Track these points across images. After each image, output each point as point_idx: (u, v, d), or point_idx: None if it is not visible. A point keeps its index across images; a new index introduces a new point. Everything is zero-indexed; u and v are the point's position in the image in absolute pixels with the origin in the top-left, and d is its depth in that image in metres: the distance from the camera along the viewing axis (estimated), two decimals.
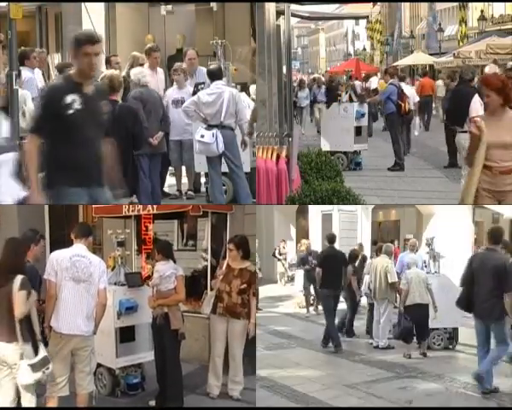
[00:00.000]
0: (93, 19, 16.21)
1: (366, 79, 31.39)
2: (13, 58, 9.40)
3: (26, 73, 11.16)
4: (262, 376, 8.32)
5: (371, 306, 11.27)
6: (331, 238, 11.29)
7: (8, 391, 5.82)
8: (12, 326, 5.70)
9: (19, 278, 5.75)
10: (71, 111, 5.97)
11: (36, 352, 5.72)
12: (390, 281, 10.64)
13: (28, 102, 10.33)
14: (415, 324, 9.92)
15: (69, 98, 5.99)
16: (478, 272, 7.33)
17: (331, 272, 10.70)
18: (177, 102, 11.42)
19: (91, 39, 6.11)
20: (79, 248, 6.33)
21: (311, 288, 13.95)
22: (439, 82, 28.95)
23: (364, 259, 12.42)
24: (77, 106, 5.99)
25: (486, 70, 15.85)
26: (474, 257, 7.77)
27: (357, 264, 12.02)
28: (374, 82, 30.79)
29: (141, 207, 8.94)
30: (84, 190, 6.11)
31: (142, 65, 11.36)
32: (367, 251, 14.78)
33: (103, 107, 6.29)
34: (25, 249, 6.27)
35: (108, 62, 11.61)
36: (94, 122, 6.13)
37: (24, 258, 6.13)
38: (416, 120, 17.84)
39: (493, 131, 6.49)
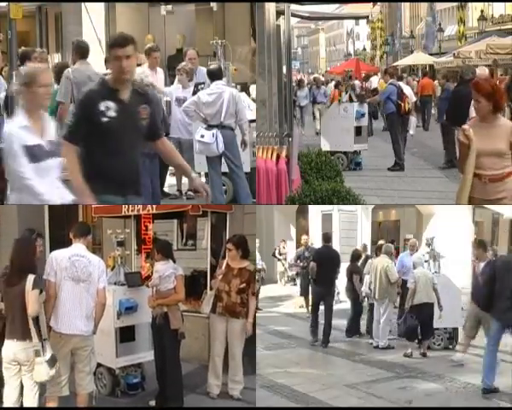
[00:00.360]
0: (93, 19, 16.26)
1: (366, 78, 31.41)
2: (13, 58, 9.41)
3: None
4: (262, 376, 8.32)
5: (371, 306, 11.26)
6: (327, 237, 11.56)
7: (13, 390, 5.89)
8: (25, 324, 5.76)
9: (31, 277, 5.80)
10: (105, 119, 5.77)
11: (43, 350, 5.77)
12: (392, 281, 10.65)
13: None
14: (420, 323, 9.93)
15: (103, 105, 5.78)
16: (500, 273, 7.41)
17: (324, 270, 11.04)
18: (180, 101, 11.43)
19: (120, 42, 5.88)
20: (78, 248, 6.33)
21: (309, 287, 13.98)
22: (435, 82, 28.97)
23: (368, 259, 12.44)
24: (112, 113, 5.79)
25: (477, 71, 15.82)
26: (497, 259, 7.86)
27: (359, 263, 12.03)
28: (374, 82, 30.81)
29: (140, 206, 8.93)
30: (120, 198, 5.98)
31: (139, 65, 11.33)
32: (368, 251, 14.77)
33: (141, 112, 6.00)
34: (34, 248, 6.28)
35: (108, 62, 11.59)
36: (130, 129, 5.90)
37: (34, 257, 6.14)
38: (412, 120, 17.87)
39: (484, 139, 6.33)
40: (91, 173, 5.72)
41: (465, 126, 6.49)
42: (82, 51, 10.28)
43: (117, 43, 5.88)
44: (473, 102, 6.61)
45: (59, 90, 9.99)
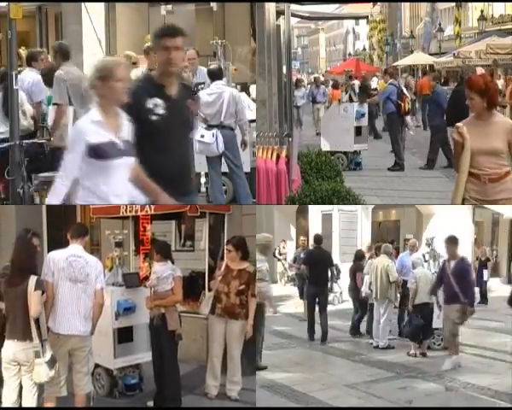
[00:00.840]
0: (93, 19, 16.23)
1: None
2: (13, 58, 9.36)
3: (33, 75, 10.96)
4: (262, 376, 8.29)
5: (371, 306, 11.25)
6: (318, 239, 11.81)
7: (13, 391, 5.87)
8: (26, 325, 5.74)
9: (34, 278, 5.78)
10: (154, 117, 5.52)
11: (43, 350, 5.76)
12: (391, 280, 10.64)
13: (25, 104, 10.30)
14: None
15: (151, 103, 5.53)
16: None
17: (316, 271, 11.33)
18: None
19: (170, 31, 5.59)
20: (76, 249, 6.29)
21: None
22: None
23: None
24: (160, 111, 5.54)
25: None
26: None
27: (364, 263, 12.05)
28: (373, 82, 30.85)
29: (139, 207, 8.90)
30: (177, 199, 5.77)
31: (135, 63, 11.30)
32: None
33: (189, 107, 5.75)
34: (33, 248, 6.24)
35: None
36: (180, 126, 5.66)
37: (34, 256, 6.10)
38: (409, 120, 17.95)
39: (480, 137, 6.18)
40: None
41: (459, 124, 6.33)
42: (65, 53, 10.27)
43: (166, 33, 5.60)
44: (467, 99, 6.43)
45: (54, 93, 9.95)
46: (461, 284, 8.73)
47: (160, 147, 5.56)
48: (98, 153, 5.18)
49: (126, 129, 5.38)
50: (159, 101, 5.56)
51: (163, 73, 5.64)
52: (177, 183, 5.69)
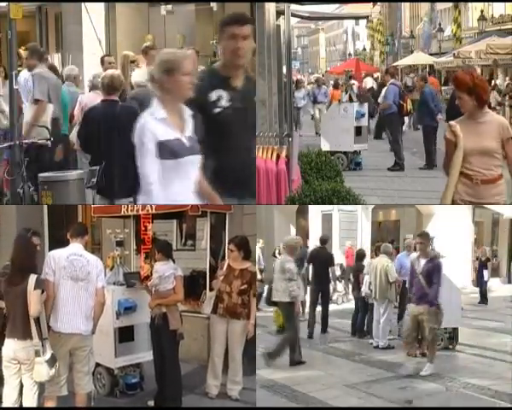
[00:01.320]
0: (93, 19, 16.23)
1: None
2: (13, 58, 9.37)
3: None
4: (262, 376, 8.30)
5: (371, 306, 11.26)
6: (323, 240, 12.32)
7: (13, 390, 5.89)
8: (26, 324, 5.75)
9: (33, 277, 5.79)
10: (217, 110, 5.12)
11: (43, 349, 5.76)
12: (391, 280, 10.65)
13: (3, 104, 10.34)
14: None
15: (215, 94, 5.12)
16: None
17: (317, 270, 11.83)
18: None
19: (238, 18, 5.16)
20: (76, 248, 6.31)
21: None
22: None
23: None
24: (224, 103, 5.13)
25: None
26: None
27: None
28: (369, 82, 30.88)
29: (140, 206, 8.90)
30: (236, 200, 5.49)
31: (133, 62, 11.29)
32: (367, 251, 14.81)
33: (255, 103, 5.40)
34: (33, 247, 6.25)
35: (102, 62, 11.63)
36: (245, 122, 5.27)
37: (34, 255, 6.11)
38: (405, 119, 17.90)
39: (472, 136, 5.94)
40: (206, 173, 5.06)
41: (452, 122, 6.08)
42: (41, 54, 10.36)
43: (234, 20, 5.16)
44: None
45: (35, 89, 9.95)
46: (431, 284, 8.43)
47: (225, 144, 5.16)
48: (166, 152, 4.78)
49: (191, 125, 4.98)
50: (223, 93, 5.15)
51: (228, 65, 5.22)
52: (241, 185, 5.34)
